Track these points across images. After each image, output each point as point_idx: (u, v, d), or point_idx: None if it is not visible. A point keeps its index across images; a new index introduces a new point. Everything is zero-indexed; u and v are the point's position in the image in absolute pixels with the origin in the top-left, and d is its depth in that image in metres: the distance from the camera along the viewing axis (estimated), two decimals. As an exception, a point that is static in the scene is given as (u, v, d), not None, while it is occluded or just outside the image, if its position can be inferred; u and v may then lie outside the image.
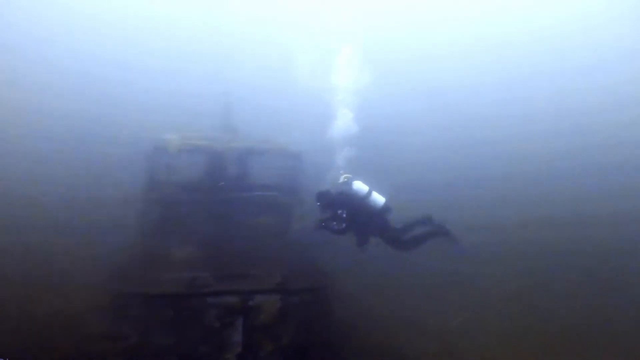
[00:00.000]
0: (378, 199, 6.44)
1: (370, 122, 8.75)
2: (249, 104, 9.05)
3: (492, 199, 11.39)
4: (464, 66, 13.62)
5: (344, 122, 8.13)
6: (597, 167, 11.21)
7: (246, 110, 8.58)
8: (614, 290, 8.12)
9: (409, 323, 7.70)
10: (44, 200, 8.96)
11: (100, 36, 12.17)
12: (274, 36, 11.77)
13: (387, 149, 11.46)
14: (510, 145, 12.29)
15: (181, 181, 6.99)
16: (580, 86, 12.40)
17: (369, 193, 6.39)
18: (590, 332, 6.93)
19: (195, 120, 8.49)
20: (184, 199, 6.82)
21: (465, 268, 8.18)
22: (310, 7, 12.07)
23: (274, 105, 10.66)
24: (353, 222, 6.35)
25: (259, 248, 6.42)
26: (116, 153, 8.95)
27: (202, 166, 7.11)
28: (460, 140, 12.52)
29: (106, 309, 6.02)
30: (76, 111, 10.23)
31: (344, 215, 6.25)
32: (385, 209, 6.45)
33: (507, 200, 11.31)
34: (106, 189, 8.38)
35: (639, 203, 10.22)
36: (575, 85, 12.45)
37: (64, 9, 12.03)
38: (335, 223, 6.28)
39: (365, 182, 6.63)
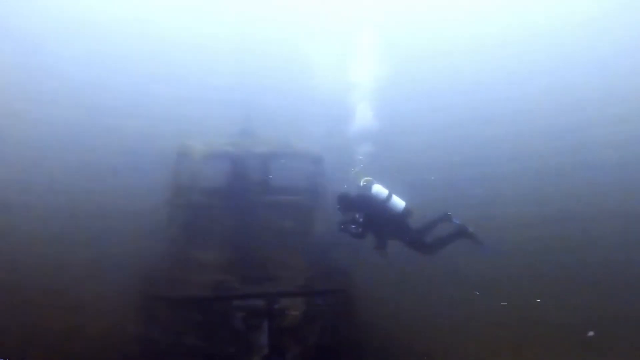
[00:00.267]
0: (398, 202, 6.41)
1: (388, 120, 8.77)
2: (268, 107, 9.17)
3: (510, 196, 11.27)
4: (474, 63, 13.52)
5: (362, 122, 8.15)
6: (612, 163, 11.01)
7: (265, 114, 8.70)
8: (622, 288, 7.97)
9: (433, 324, 7.68)
10: (73, 210, 9.22)
11: (119, 47, 12.49)
12: (289, 37, 11.87)
13: (405, 148, 11.45)
14: (526, 142, 12.15)
15: (205, 186, 7.12)
16: (596, 81, 12.21)
17: (389, 196, 6.36)
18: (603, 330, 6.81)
19: (217, 126, 8.64)
20: (208, 204, 6.94)
21: (489, 268, 8.11)
22: (324, 7, 12.15)
23: (293, 107, 10.76)
24: (372, 226, 6.34)
25: (282, 251, 6.49)
26: (140, 162, 9.17)
27: (226, 171, 7.23)
28: (476, 137, 12.41)
29: (136, 312, 6.18)
30: (101, 123, 10.52)
31: (361, 220, 6.25)
32: (406, 212, 6.42)
33: (523, 197, 11.18)
34: (133, 197, 8.60)
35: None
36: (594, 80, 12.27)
37: (84, 22, 12.38)
38: (354, 226, 6.28)
39: (384, 181, 6.62)
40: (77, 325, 6.86)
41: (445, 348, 7.18)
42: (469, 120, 12.26)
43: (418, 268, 7.62)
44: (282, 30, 12.22)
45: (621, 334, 6.76)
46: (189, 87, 11.34)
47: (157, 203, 7.37)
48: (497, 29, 13.51)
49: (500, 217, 10.21)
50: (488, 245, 6.45)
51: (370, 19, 10.32)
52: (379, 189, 6.41)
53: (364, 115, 8.23)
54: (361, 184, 6.53)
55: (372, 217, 6.29)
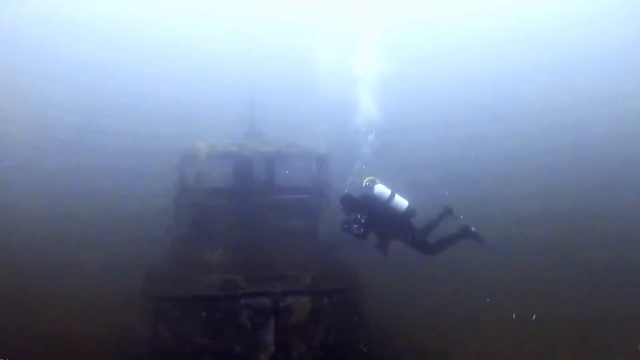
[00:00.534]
0: (401, 202, 6.38)
1: (393, 118, 8.78)
2: (272, 107, 9.21)
3: (517, 194, 11.24)
4: (478, 61, 13.50)
5: (366, 120, 8.17)
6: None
7: (270, 114, 8.74)
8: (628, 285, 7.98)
9: (439, 323, 7.72)
10: (80, 212, 9.28)
11: (125, 50, 12.56)
12: (293, 37, 11.90)
13: (409, 145, 11.46)
14: (532, 138, 12.11)
15: (211, 187, 7.18)
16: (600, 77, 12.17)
17: (392, 196, 6.33)
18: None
19: (221, 127, 8.71)
20: (214, 204, 7.00)
21: (495, 266, 8.12)
22: (328, 7, 12.16)
23: (297, 107, 10.78)
24: (375, 226, 6.35)
25: (289, 250, 6.54)
26: (146, 163, 9.24)
27: (231, 171, 7.29)
28: (480, 134, 12.38)
29: (144, 312, 6.26)
30: (107, 126, 10.61)
31: (363, 220, 6.26)
32: (409, 212, 6.38)
33: (529, 195, 11.15)
34: (140, 198, 8.67)
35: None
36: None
37: (90, 26, 12.46)
38: (356, 226, 6.29)
39: (388, 179, 6.62)
40: (84, 325, 6.94)
41: (450, 346, 7.22)
42: (473, 118, 12.24)
43: (423, 267, 7.62)
44: (286, 30, 12.26)
45: (624, 333, 6.78)
46: (193, 89, 11.40)
47: (164, 204, 7.44)
48: (500, 26, 13.47)
49: (505, 215, 10.20)
50: (494, 246, 6.40)
51: (374, 17, 10.32)
52: (382, 189, 6.39)
53: (368, 113, 8.25)
54: (364, 184, 6.52)
55: (375, 218, 6.29)
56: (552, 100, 12.08)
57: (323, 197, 7.37)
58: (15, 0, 11.74)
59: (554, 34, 12.99)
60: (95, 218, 9.12)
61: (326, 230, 7.17)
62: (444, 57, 13.27)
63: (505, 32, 13.26)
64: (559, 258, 9.22)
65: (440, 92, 12.54)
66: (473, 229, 6.35)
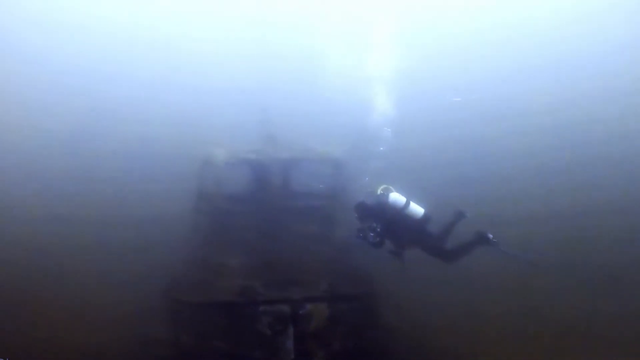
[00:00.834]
0: (416, 209, 6.36)
1: (408, 119, 8.76)
2: (287, 112, 9.27)
3: (530, 192, 11.11)
4: (491, 59, 13.38)
5: (381, 122, 8.17)
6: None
7: (285, 118, 8.80)
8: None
9: (457, 328, 7.66)
10: (99, 218, 9.42)
11: (138, 57, 12.73)
12: (305, 39, 11.96)
13: (423, 147, 11.41)
14: (544, 136, 11.96)
15: (229, 193, 7.25)
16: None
17: (407, 204, 6.32)
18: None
19: (238, 132, 8.78)
20: (232, 210, 7.07)
21: (514, 272, 8.03)
22: (340, 8, 12.17)
23: (311, 111, 10.82)
24: (390, 234, 6.33)
25: (306, 256, 6.56)
26: (165, 169, 9.36)
27: (249, 177, 7.36)
28: (495, 133, 12.27)
29: (163, 318, 6.33)
30: (125, 132, 10.77)
31: (378, 229, 6.24)
32: (425, 219, 6.36)
33: (545, 194, 11.02)
34: (158, 205, 8.78)
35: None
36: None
37: (106, 33, 12.65)
38: (372, 234, 6.28)
39: (402, 183, 6.60)
40: (100, 331, 7.05)
41: (468, 351, 7.16)
42: (487, 117, 12.12)
43: (440, 273, 7.59)
44: (299, 33, 12.33)
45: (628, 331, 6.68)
46: (210, 95, 11.52)
47: (182, 210, 7.53)
48: (515, 22, 13.34)
49: (517, 215, 10.08)
50: (516, 253, 6.31)
51: (385, 17, 10.34)
52: (397, 197, 6.38)
53: (382, 115, 8.25)
54: (378, 192, 6.50)
55: (390, 226, 6.28)
56: (570, 97, 11.91)
57: (340, 202, 7.38)
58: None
59: (572, 29, 12.81)
60: (114, 223, 9.25)
61: (343, 235, 7.16)
62: (456, 56, 13.20)
63: (519, 29, 13.13)
64: (578, 259, 9.09)
65: (454, 91, 12.47)
66: (491, 236, 6.29)
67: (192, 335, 6.10)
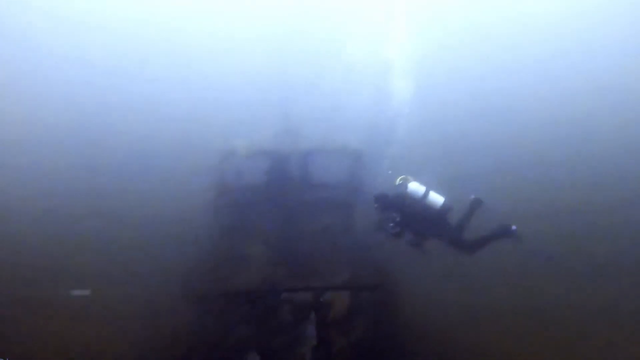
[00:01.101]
0: (436, 199, 6.30)
1: (429, 110, 8.73)
2: (306, 104, 9.31)
3: (551, 184, 10.98)
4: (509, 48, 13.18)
5: (399, 112, 8.18)
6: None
7: (304, 110, 8.86)
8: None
9: (476, 320, 7.69)
10: (121, 212, 9.57)
11: (159, 53, 12.84)
12: (321, 32, 11.95)
13: (443, 138, 11.35)
14: (569, 126, 11.76)
15: (250, 184, 7.37)
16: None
17: (426, 194, 6.28)
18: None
19: (257, 125, 8.87)
20: (253, 201, 7.19)
21: (533, 265, 8.03)
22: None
23: (331, 103, 10.82)
24: (410, 224, 6.35)
25: (327, 246, 6.65)
26: (187, 162, 9.49)
27: (269, 169, 7.45)
28: (519, 121, 12.11)
29: (190, 306, 6.50)
30: (147, 127, 10.93)
31: (398, 219, 6.26)
32: (445, 209, 6.31)
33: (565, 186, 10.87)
34: (180, 198, 8.91)
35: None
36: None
37: (124, 31, 12.76)
38: (392, 225, 6.31)
39: (421, 172, 6.58)
40: (130, 322, 7.22)
41: (486, 343, 7.19)
42: (508, 106, 11.98)
43: (460, 264, 7.60)
44: (317, 26, 12.32)
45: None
46: (228, 89, 11.63)
47: (204, 202, 7.67)
48: (539, 10, 13.10)
49: (536, 208, 9.99)
50: (532, 247, 6.26)
51: (404, 7, 10.28)
52: (416, 187, 6.36)
53: (401, 105, 8.26)
54: (397, 182, 6.50)
55: (410, 216, 6.28)
56: (592, 88, 11.72)
57: (359, 192, 7.44)
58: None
59: (595, 17, 12.55)
60: (138, 217, 9.40)
61: (363, 226, 7.23)
62: (476, 47, 13.06)
63: (543, 16, 12.90)
64: (603, 250, 8.98)
65: (474, 79, 12.35)
66: (514, 227, 6.24)
67: (216, 323, 6.25)
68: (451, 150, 11.40)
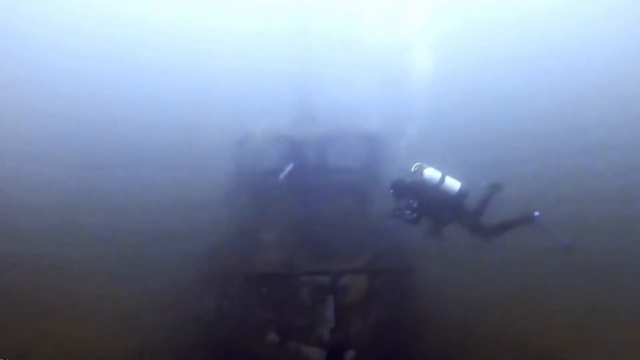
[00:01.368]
0: (452, 184, 6.27)
1: (445, 97, 8.63)
2: (322, 89, 9.29)
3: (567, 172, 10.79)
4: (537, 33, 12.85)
5: (417, 98, 8.13)
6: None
7: (320, 95, 8.85)
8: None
9: (492, 305, 7.69)
10: (140, 199, 9.64)
11: (176, 39, 12.86)
12: (338, 15, 11.82)
13: (461, 124, 11.22)
14: (596, 114, 11.48)
15: (267, 169, 7.45)
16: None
17: (442, 179, 6.26)
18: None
19: (274, 110, 8.91)
20: (271, 186, 7.27)
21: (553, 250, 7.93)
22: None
23: (347, 87, 10.75)
24: (427, 211, 6.34)
25: (344, 230, 6.71)
26: (205, 150, 9.58)
27: (287, 154, 7.52)
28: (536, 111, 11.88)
29: (210, 288, 6.65)
30: (167, 114, 11.02)
31: (415, 206, 6.26)
32: (461, 194, 6.28)
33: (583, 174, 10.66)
34: (201, 183, 9.00)
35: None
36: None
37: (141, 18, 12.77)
38: (408, 212, 6.31)
39: (440, 160, 6.56)
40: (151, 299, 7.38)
41: (501, 327, 7.20)
42: (529, 94, 11.75)
43: (477, 249, 7.58)
44: (336, 9, 12.18)
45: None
46: (245, 74, 11.65)
47: (222, 186, 7.78)
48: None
49: (558, 195, 9.87)
50: (555, 235, 6.18)
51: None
52: (431, 173, 6.33)
53: (419, 91, 8.21)
54: (412, 170, 6.48)
55: (426, 202, 6.27)
56: (616, 73, 11.42)
57: (377, 177, 7.46)
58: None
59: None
60: (157, 204, 9.50)
61: (380, 210, 7.27)
62: (498, 33, 12.79)
63: (564, 3, 12.55)
64: (620, 241, 8.85)
65: (493, 68, 12.14)
66: (537, 214, 6.17)
67: (236, 305, 6.39)
68: (471, 136, 11.27)
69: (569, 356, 6.68)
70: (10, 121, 10.43)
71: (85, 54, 11.86)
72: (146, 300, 7.36)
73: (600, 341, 6.70)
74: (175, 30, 12.85)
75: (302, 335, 5.94)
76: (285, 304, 6.09)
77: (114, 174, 10.04)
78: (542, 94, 11.99)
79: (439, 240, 6.40)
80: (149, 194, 9.66)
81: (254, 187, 7.38)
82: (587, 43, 12.23)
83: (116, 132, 10.96)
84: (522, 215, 6.25)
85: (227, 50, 12.41)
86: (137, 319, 7.15)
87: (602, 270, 8.02)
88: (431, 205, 6.25)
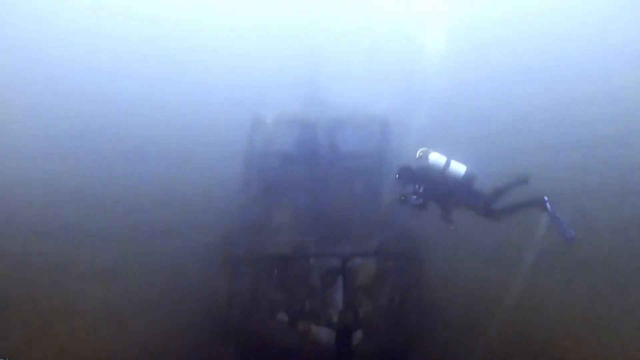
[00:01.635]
0: (458, 168, 6.22)
1: (457, 84, 8.54)
2: (334, 71, 9.23)
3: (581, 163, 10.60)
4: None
5: (430, 83, 8.08)
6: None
7: (333, 78, 8.81)
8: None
9: (501, 289, 7.75)
10: (151, 183, 9.64)
11: (192, 25, 12.76)
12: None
13: (476, 111, 11.08)
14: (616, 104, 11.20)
15: (279, 152, 7.51)
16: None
17: (447, 164, 6.21)
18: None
19: (286, 94, 8.89)
20: (282, 169, 7.34)
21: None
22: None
23: (360, 71, 10.62)
24: (433, 195, 6.36)
25: (355, 214, 6.79)
26: (215, 132, 9.61)
27: (298, 137, 7.56)
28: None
29: (223, 269, 6.82)
30: (179, 95, 11.02)
31: (421, 190, 6.28)
32: (468, 177, 6.23)
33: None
34: (213, 167, 9.06)
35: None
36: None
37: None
38: (414, 197, 6.34)
39: (450, 146, 6.54)
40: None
41: (509, 311, 7.26)
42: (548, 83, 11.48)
43: (487, 234, 7.58)
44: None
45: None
46: (255, 58, 11.58)
47: (234, 169, 7.86)
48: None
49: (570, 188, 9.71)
50: (562, 225, 6.14)
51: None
52: (437, 157, 6.33)
53: (433, 77, 8.16)
54: (417, 155, 6.48)
55: (432, 187, 6.29)
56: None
57: (387, 161, 7.48)
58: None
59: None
60: (169, 185, 9.56)
61: (390, 195, 7.31)
62: (514, 18, 12.48)
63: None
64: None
65: (509, 54, 11.88)
66: (546, 198, 6.14)
67: (247, 287, 6.55)
68: (483, 123, 11.10)
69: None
70: (12, 118, 10.50)
71: (87, 51, 11.85)
72: (159, 281, 7.52)
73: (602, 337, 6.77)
74: (189, 8, 12.76)
75: (312, 316, 6.11)
76: (296, 285, 6.23)
77: (118, 166, 10.07)
78: (561, 82, 11.69)
79: (447, 225, 6.42)
80: (157, 177, 9.72)
81: (265, 171, 7.45)
82: (614, 27, 11.87)
83: (120, 124, 10.92)
84: (531, 198, 6.23)
85: (239, 31, 12.33)
86: (149, 301, 7.30)
87: (609, 266, 7.96)
88: (437, 190, 6.27)
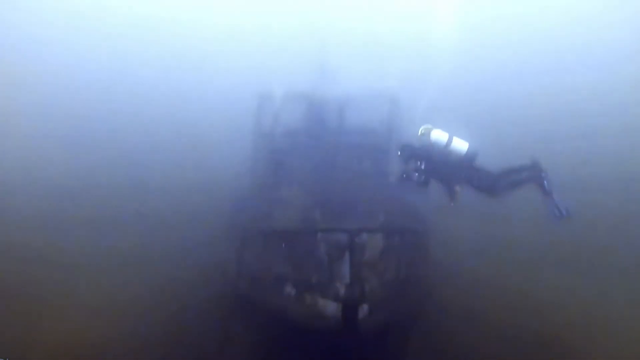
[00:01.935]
0: (460, 145, 6.23)
1: (467, 62, 8.45)
2: (343, 48, 9.15)
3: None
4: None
5: (441, 62, 8.00)
6: None
7: (341, 55, 8.73)
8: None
9: (506, 266, 7.81)
10: (161, 163, 9.65)
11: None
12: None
13: (485, 93, 10.96)
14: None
15: (287, 128, 7.52)
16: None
17: (450, 141, 6.22)
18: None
19: (294, 70, 8.84)
20: (290, 145, 7.36)
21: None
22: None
23: (369, 47, 10.49)
24: (435, 173, 6.36)
25: (362, 190, 6.81)
26: (225, 107, 9.60)
27: (306, 113, 7.55)
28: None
29: (231, 243, 6.90)
30: (188, 74, 10.96)
31: (423, 167, 6.29)
32: (470, 154, 6.24)
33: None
34: (218, 142, 9.08)
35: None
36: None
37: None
38: (417, 174, 6.36)
39: (455, 128, 6.50)
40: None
41: (515, 287, 7.32)
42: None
43: (491, 210, 7.61)
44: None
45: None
46: (265, 32, 11.46)
47: (242, 145, 7.89)
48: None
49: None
50: (558, 203, 6.11)
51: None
52: (439, 135, 6.30)
53: (444, 56, 8.07)
54: (420, 133, 6.46)
55: (435, 164, 6.29)
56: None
57: (394, 138, 7.48)
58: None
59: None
60: (176, 167, 9.56)
61: (398, 171, 7.33)
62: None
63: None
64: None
65: (520, 33, 11.65)
66: (544, 174, 6.13)
67: (256, 260, 6.63)
68: (492, 100, 11.00)
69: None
70: (14, 116, 10.44)
71: (89, 51, 11.70)
72: (168, 257, 7.64)
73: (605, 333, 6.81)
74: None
75: (319, 290, 6.19)
76: (303, 259, 6.29)
77: (129, 153, 10.06)
78: (573, 64, 11.48)
79: (451, 202, 6.44)
80: (165, 157, 9.72)
81: (274, 146, 7.47)
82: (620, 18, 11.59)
83: (128, 112, 10.87)
84: (530, 174, 6.23)
85: (247, 9, 12.16)
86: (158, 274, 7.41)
87: (612, 256, 7.97)
88: (439, 167, 6.28)
